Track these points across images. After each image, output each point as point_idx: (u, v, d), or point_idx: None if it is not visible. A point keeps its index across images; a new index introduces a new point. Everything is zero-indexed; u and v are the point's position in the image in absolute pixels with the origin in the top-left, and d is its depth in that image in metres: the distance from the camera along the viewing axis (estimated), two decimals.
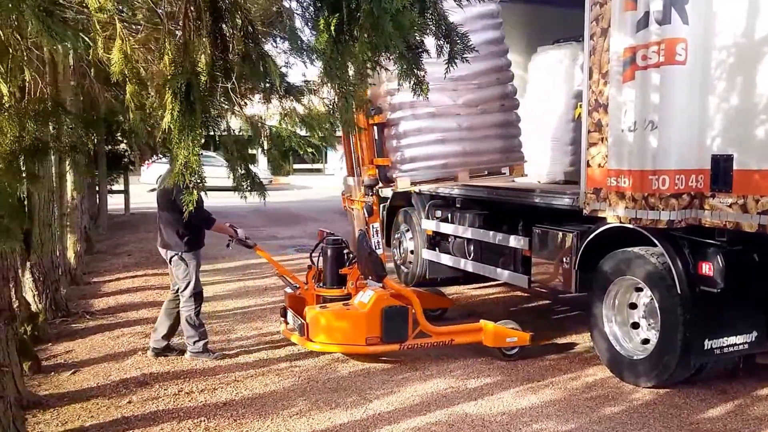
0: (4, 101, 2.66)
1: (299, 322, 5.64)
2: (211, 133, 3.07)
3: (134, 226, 14.83)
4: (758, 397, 5.03)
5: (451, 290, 8.38)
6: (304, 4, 2.61)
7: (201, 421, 4.53)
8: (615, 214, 5.13)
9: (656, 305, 5.05)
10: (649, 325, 5.26)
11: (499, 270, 6.88)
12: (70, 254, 8.95)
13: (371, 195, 6.33)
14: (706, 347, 4.85)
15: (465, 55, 3.15)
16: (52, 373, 5.45)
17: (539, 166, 7.09)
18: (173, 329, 5.85)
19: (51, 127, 2.90)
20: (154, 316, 6.50)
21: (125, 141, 13.39)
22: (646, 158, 4.83)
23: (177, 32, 2.41)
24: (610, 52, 5.10)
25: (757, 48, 4.44)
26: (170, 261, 5.80)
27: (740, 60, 4.53)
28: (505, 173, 6.95)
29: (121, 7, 2.13)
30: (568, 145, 6.87)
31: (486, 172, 6.81)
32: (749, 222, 4.50)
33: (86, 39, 2.50)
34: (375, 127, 6.30)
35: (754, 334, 4.97)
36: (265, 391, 5.08)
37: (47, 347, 6.12)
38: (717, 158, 4.69)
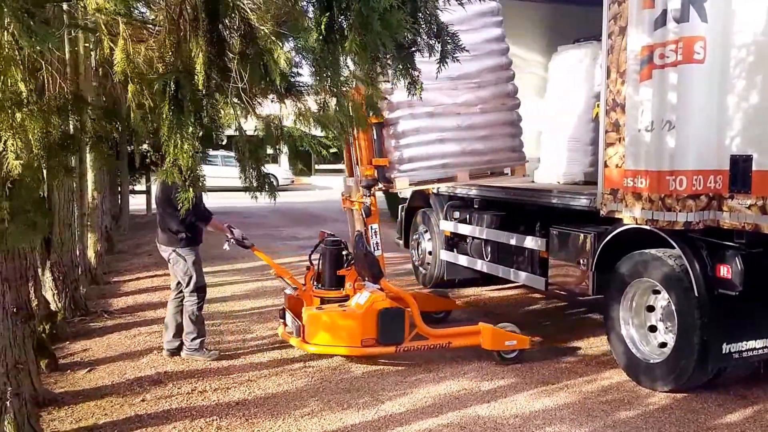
0: (23, 99, 2.70)
1: (297, 323, 5.61)
2: (214, 132, 3.08)
3: (155, 227, 14.96)
4: None
5: (469, 292, 8.35)
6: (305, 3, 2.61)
7: (213, 420, 4.55)
8: (631, 215, 5.05)
9: (673, 308, 4.97)
10: (666, 328, 5.18)
11: (516, 271, 6.82)
12: (91, 254, 9.06)
13: (369, 196, 6.27)
14: (724, 351, 4.76)
15: (456, 55, 3.13)
16: (69, 370, 5.51)
17: (559, 166, 7.04)
18: (182, 328, 5.88)
19: (74, 120, 2.94)
20: None
21: (146, 141, 13.53)
22: (663, 158, 4.75)
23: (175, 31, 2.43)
24: (627, 50, 5.03)
25: None
26: (168, 258, 5.82)
27: (760, 58, 4.43)
28: (507, 174, 6.88)
29: (122, 8, 2.14)
30: (588, 145, 6.80)
31: (489, 173, 6.75)
32: None
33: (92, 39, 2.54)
34: (373, 127, 6.23)
35: None
36: (278, 391, 5.09)
37: (65, 345, 6.20)
38: (736, 159, 4.59)
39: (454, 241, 7.93)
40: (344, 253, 6.05)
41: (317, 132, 4.11)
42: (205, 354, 5.77)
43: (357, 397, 4.96)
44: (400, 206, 9.45)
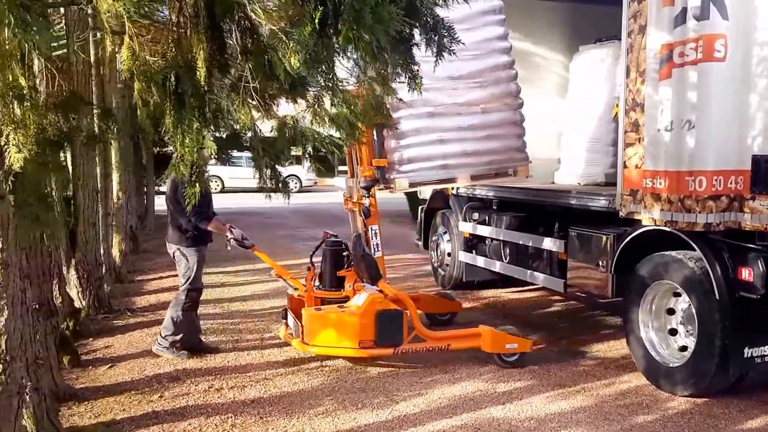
0: (24, 93, 2.76)
1: (297, 324, 5.60)
2: (219, 130, 3.11)
3: None
4: None
5: (488, 293, 8.31)
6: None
7: (228, 417, 4.59)
8: (650, 217, 4.98)
9: (694, 311, 4.88)
10: (687, 331, 5.09)
11: (534, 273, 6.77)
12: (115, 252, 9.21)
13: (368, 197, 6.23)
14: (746, 355, 4.67)
15: (453, 48, 3.11)
16: (90, 367, 5.60)
17: (579, 167, 6.96)
18: (197, 325, 5.92)
19: (71, 118, 2.99)
20: None
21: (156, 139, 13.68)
22: (683, 159, 4.67)
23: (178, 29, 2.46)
24: (647, 49, 4.96)
25: None
26: (173, 256, 5.87)
27: None
28: (511, 174, 6.82)
29: (131, 8, 2.18)
30: (609, 146, 6.72)
31: (494, 174, 6.69)
32: None
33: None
34: (374, 128, 6.17)
35: None
36: (293, 390, 5.11)
37: (88, 342, 6.30)
38: (758, 159, 4.50)
39: (473, 243, 7.90)
40: (345, 254, 6.04)
41: (332, 132, 4.13)
42: (174, 354, 5.77)
43: (372, 397, 4.96)
44: (419, 207, 9.44)
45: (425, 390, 5.10)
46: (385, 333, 5.38)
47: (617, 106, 6.01)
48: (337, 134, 4.85)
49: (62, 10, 6.32)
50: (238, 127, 4.32)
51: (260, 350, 6.04)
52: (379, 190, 6.46)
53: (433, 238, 8.84)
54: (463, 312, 7.11)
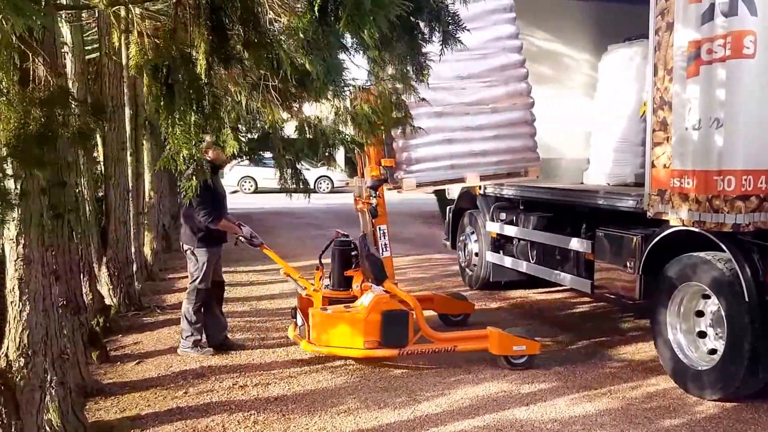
0: (2, 87, 2.78)
1: (304, 323, 5.61)
2: (221, 122, 3.09)
3: None
4: None
5: (515, 294, 8.25)
6: None
7: (251, 414, 4.64)
8: (678, 217, 4.89)
9: (723, 313, 4.78)
10: (716, 334, 4.98)
11: (561, 274, 6.69)
12: (147, 251, 9.36)
13: (375, 196, 6.20)
14: None
15: (458, 35, 3.05)
16: (119, 362, 5.71)
17: (608, 167, 6.86)
18: (222, 322, 5.98)
19: (58, 113, 3.01)
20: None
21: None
22: (711, 158, 4.58)
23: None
24: (674, 47, 4.87)
25: None
26: (186, 255, 5.93)
27: None
28: (522, 174, 6.73)
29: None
30: (639, 145, 6.59)
31: (505, 174, 6.62)
32: None
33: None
34: (395, 126, 6.16)
35: None
36: (316, 388, 5.14)
37: (117, 338, 6.43)
38: None
39: (500, 243, 7.84)
40: (353, 253, 6.03)
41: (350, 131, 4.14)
42: (200, 352, 5.83)
43: (394, 396, 4.96)
44: (447, 208, 9.42)
45: (448, 390, 5.09)
46: (390, 334, 5.36)
47: (645, 104, 5.91)
48: (353, 132, 4.84)
49: (96, 12, 6.42)
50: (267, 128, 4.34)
51: (285, 348, 6.09)
52: (388, 189, 6.44)
53: (461, 238, 8.81)
54: (490, 312, 7.06)
